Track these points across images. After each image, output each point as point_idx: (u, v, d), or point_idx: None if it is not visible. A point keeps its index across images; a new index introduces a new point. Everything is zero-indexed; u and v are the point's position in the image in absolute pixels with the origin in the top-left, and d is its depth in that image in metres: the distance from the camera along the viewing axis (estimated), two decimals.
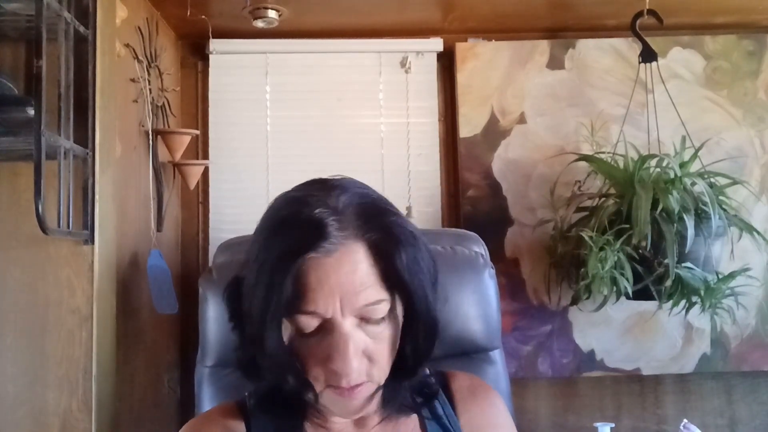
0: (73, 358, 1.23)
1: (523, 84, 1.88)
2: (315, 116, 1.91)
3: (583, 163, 1.71)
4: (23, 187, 1.25)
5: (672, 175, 1.51)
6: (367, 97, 1.93)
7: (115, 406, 1.32)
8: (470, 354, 1.13)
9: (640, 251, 1.48)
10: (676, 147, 1.63)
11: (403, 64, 1.93)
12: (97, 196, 1.27)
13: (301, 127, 1.91)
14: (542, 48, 1.90)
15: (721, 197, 1.57)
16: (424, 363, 0.74)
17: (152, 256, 1.55)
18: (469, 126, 1.88)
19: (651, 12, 1.65)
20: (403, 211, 1.85)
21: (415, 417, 0.79)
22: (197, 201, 1.93)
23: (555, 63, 1.89)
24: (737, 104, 1.88)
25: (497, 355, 1.16)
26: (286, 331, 0.69)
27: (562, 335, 1.83)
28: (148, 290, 1.52)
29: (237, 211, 1.88)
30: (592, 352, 1.83)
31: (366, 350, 0.68)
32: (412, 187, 1.90)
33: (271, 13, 1.73)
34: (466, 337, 1.12)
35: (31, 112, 1.08)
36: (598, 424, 1.54)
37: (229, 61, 1.91)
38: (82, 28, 1.24)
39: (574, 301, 1.70)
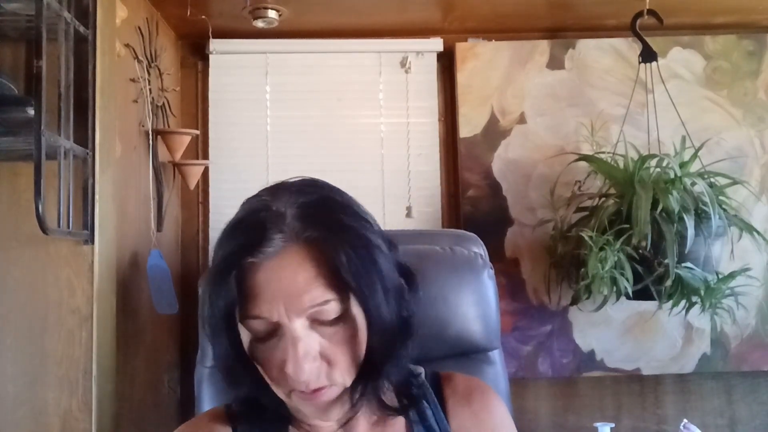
0: (73, 358, 1.23)
1: (523, 84, 1.88)
2: (315, 116, 1.91)
3: (583, 163, 1.71)
4: (23, 187, 1.25)
5: (672, 175, 1.51)
6: (367, 97, 1.93)
7: (115, 406, 1.32)
8: (469, 354, 1.13)
9: (640, 251, 1.48)
10: (676, 147, 1.63)
11: (403, 64, 1.93)
12: (97, 196, 1.27)
13: (301, 127, 1.91)
14: (542, 48, 1.89)
15: (721, 197, 1.57)
16: (390, 363, 0.70)
17: (152, 256, 1.55)
18: (469, 126, 1.88)
19: (651, 12, 1.66)
20: (403, 210, 1.89)
21: (402, 420, 0.78)
22: (197, 201, 1.93)
23: (555, 63, 1.89)
24: (737, 104, 1.88)
25: (496, 355, 1.16)
26: (246, 337, 0.69)
27: (562, 335, 1.83)
28: (148, 290, 1.52)
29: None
30: (592, 352, 1.82)
31: (323, 352, 0.67)
32: (412, 187, 1.90)
33: (271, 13, 1.73)
34: (465, 337, 1.12)
35: (31, 112, 1.08)
36: (598, 424, 1.54)
37: (229, 61, 1.91)
38: (82, 28, 1.23)
39: (574, 301, 1.70)
